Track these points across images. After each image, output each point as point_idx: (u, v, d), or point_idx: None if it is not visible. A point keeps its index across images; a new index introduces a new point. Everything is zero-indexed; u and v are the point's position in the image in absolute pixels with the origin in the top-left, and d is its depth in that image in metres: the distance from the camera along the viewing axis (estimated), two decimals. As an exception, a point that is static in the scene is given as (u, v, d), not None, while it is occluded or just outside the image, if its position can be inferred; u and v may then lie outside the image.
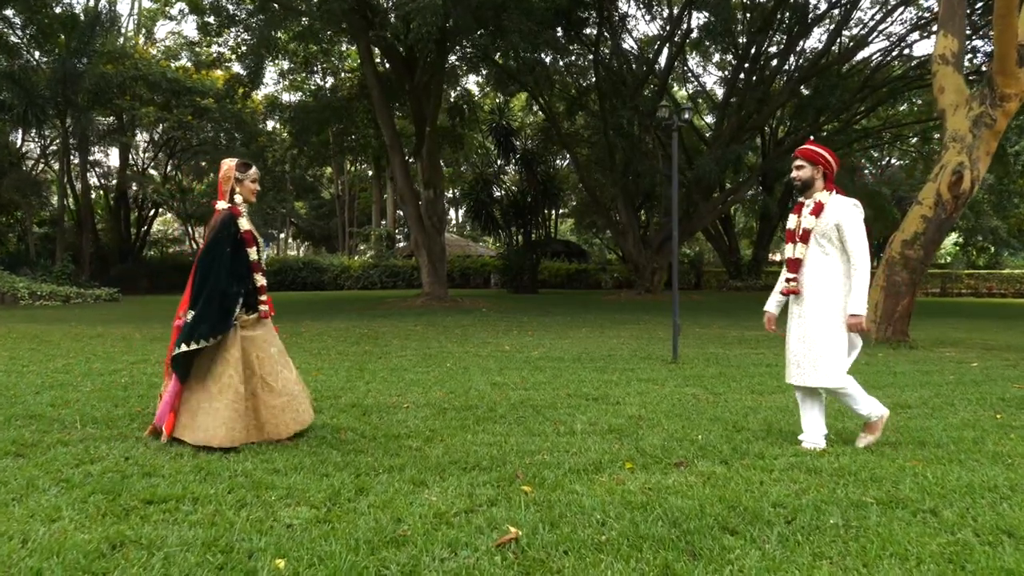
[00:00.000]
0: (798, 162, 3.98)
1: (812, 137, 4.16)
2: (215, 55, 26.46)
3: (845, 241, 3.80)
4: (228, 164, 4.08)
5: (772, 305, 4.24)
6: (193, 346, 3.83)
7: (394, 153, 19.33)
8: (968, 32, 17.14)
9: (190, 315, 3.88)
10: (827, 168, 3.94)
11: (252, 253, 4.04)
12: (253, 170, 4.14)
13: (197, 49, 30.02)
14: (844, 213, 3.83)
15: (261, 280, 4.10)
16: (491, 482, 3.19)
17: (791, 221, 4.06)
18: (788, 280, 4.01)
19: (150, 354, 7.96)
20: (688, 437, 4.10)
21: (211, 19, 22.17)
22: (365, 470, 3.36)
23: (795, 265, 3.99)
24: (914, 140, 32.80)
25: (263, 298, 4.14)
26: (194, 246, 41.93)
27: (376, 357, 7.94)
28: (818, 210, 3.88)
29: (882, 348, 9.37)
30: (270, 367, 4.05)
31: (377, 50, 21.03)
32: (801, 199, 4.05)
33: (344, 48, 28.21)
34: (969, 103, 9.62)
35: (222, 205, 4.04)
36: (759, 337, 10.69)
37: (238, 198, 4.06)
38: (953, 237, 45.70)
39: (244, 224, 4.01)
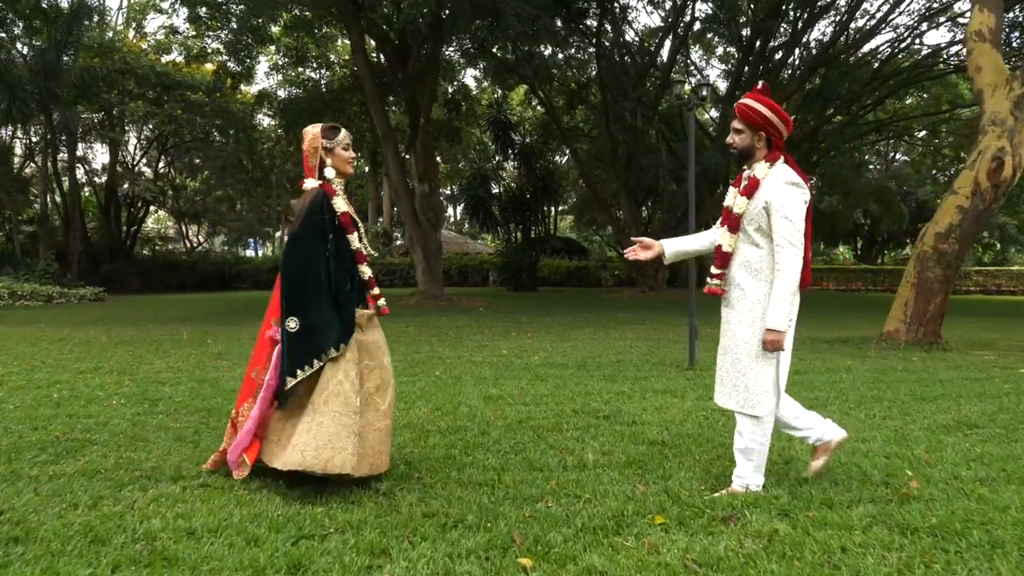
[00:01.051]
0: (734, 124, 3.07)
1: (761, 84, 3.17)
2: (207, 49, 25.61)
3: (772, 230, 2.91)
4: (312, 132, 3.23)
5: (668, 243, 3.37)
6: (308, 370, 3.02)
7: (387, 146, 18.51)
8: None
9: (291, 323, 3.04)
10: (770, 131, 2.98)
11: (354, 240, 3.19)
12: (343, 134, 3.26)
13: (189, 42, 29.15)
14: (773, 192, 2.90)
15: (367, 272, 3.30)
16: (477, 550, 2.36)
17: (728, 196, 3.15)
18: (712, 277, 3.11)
19: (105, 361, 7.12)
20: (728, 472, 3.28)
21: (202, 10, 21.31)
22: (309, 530, 2.53)
23: (723, 260, 3.08)
24: (921, 134, 32.02)
25: (375, 292, 3.37)
26: (188, 244, 41.13)
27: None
28: (751, 189, 2.99)
29: (914, 351, 8.55)
30: (381, 380, 3.21)
31: (372, 43, 20.29)
32: (744, 168, 3.18)
33: (339, 43, 27.44)
34: (1010, 83, 8.78)
35: (311, 184, 3.19)
36: (778, 339, 9.86)
37: (329, 172, 3.19)
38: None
39: (340, 205, 3.16)
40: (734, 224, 3.03)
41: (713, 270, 3.10)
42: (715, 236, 3.19)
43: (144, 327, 11.44)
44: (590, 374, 6.45)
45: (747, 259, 3.01)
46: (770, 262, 2.96)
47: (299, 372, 3.02)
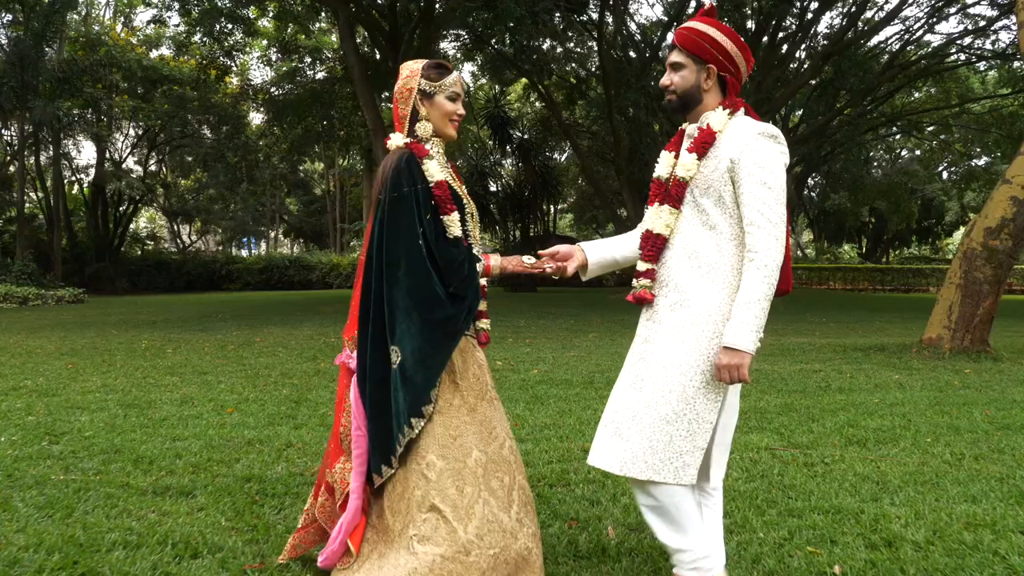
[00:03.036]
0: (673, 57, 2.06)
1: (708, 5, 2.36)
2: (193, 39, 24.64)
3: (741, 202, 1.94)
4: (411, 68, 2.23)
5: (591, 247, 2.31)
6: (420, 421, 2.04)
7: (377, 139, 17.51)
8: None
9: (394, 356, 2.06)
10: (724, 66, 2.02)
11: (453, 224, 2.14)
12: (453, 77, 2.22)
13: (176, 31, 28.16)
14: (743, 147, 1.94)
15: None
16: None
17: (660, 164, 2.17)
18: (639, 276, 2.08)
19: (33, 377, 6.11)
20: (821, 569, 2.28)
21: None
22: None
23: (653, 247, 2.07)
24: (930, 129, 31.04)
25: (481, 307, 2.27)
26: (180, 244, 40.10)
27: (328, 380, 6.11)
28: (703, 144, 2.01)
29: (962, 361, 7.56)
30: (500, 426, 2.20)
31: (366, 34, 19.40)
32: (683, 125, 2.17)
33: (332, 37, 26.49)
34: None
35: (396, 140, 2.21)
36: (803, 346, 8.87)
37: (423, 128, 2.19)
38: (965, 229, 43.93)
39: (435, 172, 2.14)
40: (676, 194, 2.03)
41: (640, 265, 2.08)
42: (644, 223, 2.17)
43: (107, 333, 10.44)
44: (599, 393, 5.45)
45: (694, 248, 1.99)
46: (730, 254, 1.96)
47: (407, 430, 2.03)
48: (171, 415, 4.56)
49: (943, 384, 6.04)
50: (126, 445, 3.73)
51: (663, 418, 1.92)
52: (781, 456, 3.68)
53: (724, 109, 2.02)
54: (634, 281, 2.09)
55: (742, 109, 2.06)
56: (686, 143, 2.08)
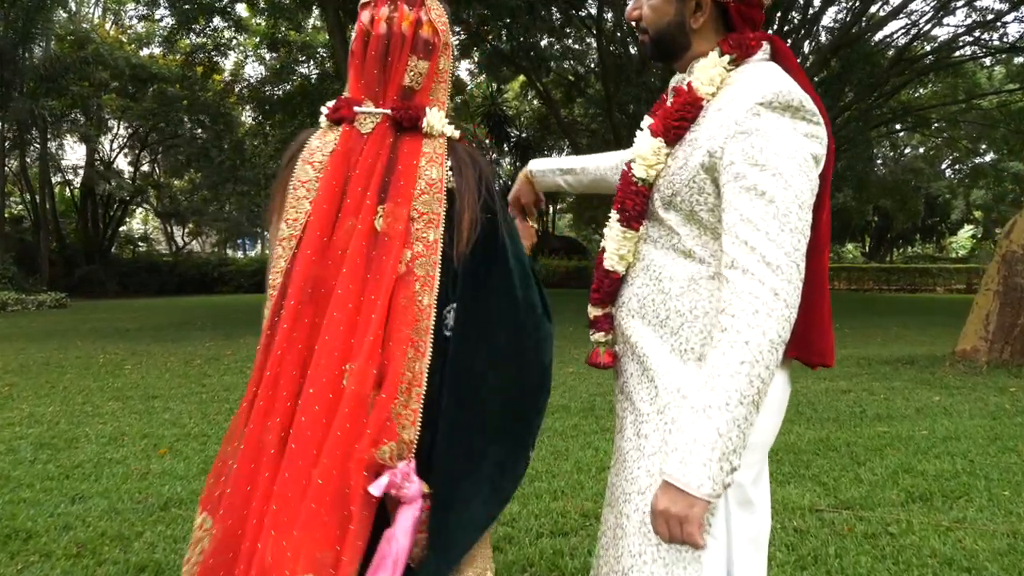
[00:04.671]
0: None
1: None
2: (183, 38, 24.00)
3: (723, 221, 1.13)
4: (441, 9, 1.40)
5: (539, 162, 1.74)
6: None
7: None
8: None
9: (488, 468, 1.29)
10: None
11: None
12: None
13: (164, 25, 27.51)
14: (733, 127, 1.12)
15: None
16: None
17: (632, 151, 1.34)
18: (594, 327, 1.38)
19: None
20: None
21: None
22: None
23: (608, 288, 1.35)
24: (936, 126, 30.32)
25: None
26: (173, 246, 39.31)
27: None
28: (678, 118, 1.23)
29: (1002, 376, 6.80)
30: None
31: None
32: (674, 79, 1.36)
33: (325, 36, 25.83)
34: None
35: (443, 124, 1.37)
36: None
37: (435, 119, 1.36)
38: (970, 228, 43.13)
39: None
40: (632, 209, 1.28)
41: (591, 310, 1.38)
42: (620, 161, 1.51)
43: (69, 345, 9.67)
44: (600, 425, 4.69)
45: (658, 286, 1.25)
46: (717, 298, 1.18)
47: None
48: (89, 459, 3.81)
49: (994, 409, 5.28)
50: (5, 510, 2.97)
51: (625, 570, 1.18)
52: (831, 521, 2.93)
53: (726, 54, 1.21)
54: (591, 334, 1.37)
55: (761, 52, 1.23)
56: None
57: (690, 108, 1.20)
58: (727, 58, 1.20)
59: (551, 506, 3.09)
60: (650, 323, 1.23)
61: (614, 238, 1.29)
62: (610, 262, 1.29)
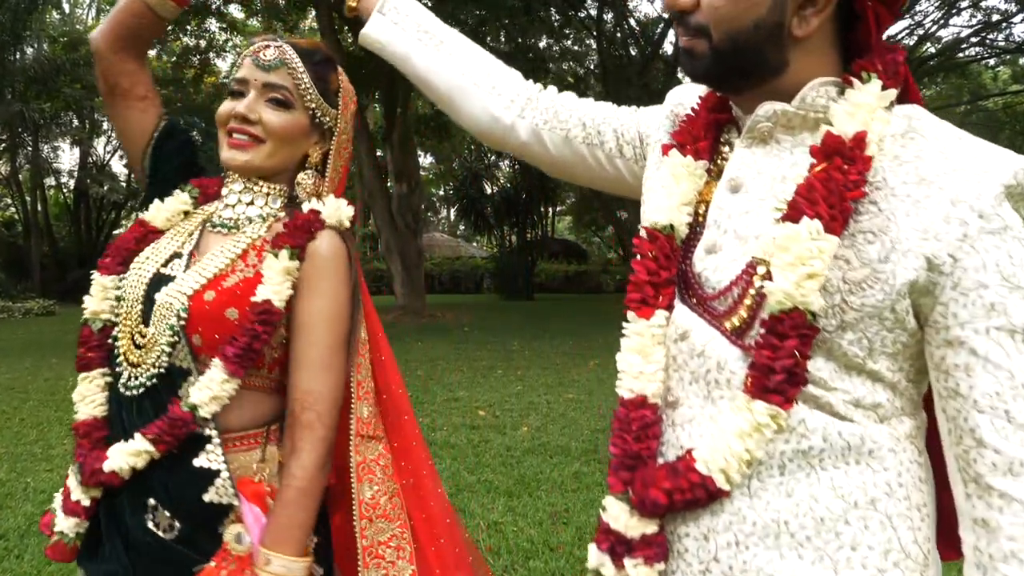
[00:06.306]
0: None
1: None
2: (175, 38, 23.71)
3: (950, 384, 0.69)
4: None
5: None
6: None
7: (359, 140, 16.36)
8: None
9: None
10: None
11: None
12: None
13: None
14: (983, 225, 0.66)
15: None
16: None
17: (666, 191, 0.88)
18: (629, 551, 0.84)
19: None
20: None
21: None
22: None
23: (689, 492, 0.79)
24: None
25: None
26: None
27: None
28: (853, 182, 0.72)
29: None
30: None
31: (349, 30, 18.39)
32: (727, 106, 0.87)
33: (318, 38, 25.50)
34: None
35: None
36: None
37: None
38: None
39: None
40: (794, 370, 0.74)
41: (629, 524, 0.86)
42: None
43: (44, 363, 9.19)
44: (603, 470, 4.20)
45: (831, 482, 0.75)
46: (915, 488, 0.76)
47: None
48: (15, 528, 3.32)
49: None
50: None
51: None
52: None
53: (876, 80, 0.75)
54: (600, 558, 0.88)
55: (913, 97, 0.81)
56: (775, 178, 0.79)
57: (859, 168, 0.71)
58: (891, 94, 0.73)
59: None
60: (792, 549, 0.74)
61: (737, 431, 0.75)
62: (718, 476, 0.76)
